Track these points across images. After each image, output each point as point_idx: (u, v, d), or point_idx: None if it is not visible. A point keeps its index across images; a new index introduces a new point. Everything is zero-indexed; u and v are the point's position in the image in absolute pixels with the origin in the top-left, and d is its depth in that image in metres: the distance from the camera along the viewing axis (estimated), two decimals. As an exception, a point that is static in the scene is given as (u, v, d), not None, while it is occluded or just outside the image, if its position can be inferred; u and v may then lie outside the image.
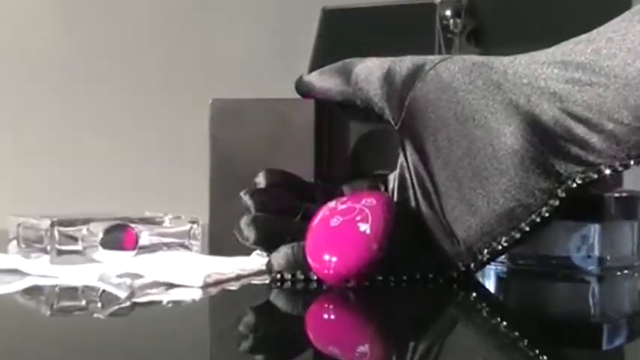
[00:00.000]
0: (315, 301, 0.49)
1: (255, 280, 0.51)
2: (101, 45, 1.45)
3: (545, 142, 0.46)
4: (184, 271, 0.49)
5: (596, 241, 0.54)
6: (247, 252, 0.54)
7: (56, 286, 0.50)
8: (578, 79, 0.46)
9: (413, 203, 0.51)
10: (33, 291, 0.49)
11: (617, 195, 0.55)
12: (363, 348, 0.38)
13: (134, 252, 0.54)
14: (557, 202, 0.46)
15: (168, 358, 0.35)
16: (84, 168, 1.42)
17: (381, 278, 0.49)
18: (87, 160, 1.42)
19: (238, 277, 0.51)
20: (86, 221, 0.53)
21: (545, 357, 0.35)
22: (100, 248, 0.53)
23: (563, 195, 0.46)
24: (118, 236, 0.54)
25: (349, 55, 0.55)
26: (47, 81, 1.42)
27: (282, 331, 0.40)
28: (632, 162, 0.45)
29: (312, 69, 0.64)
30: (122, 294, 0.46)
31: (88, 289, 0.49)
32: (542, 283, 0.56)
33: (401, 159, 0.52)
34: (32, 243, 0.54)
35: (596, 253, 0.54)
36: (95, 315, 0.43)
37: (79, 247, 0.53)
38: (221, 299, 0.48)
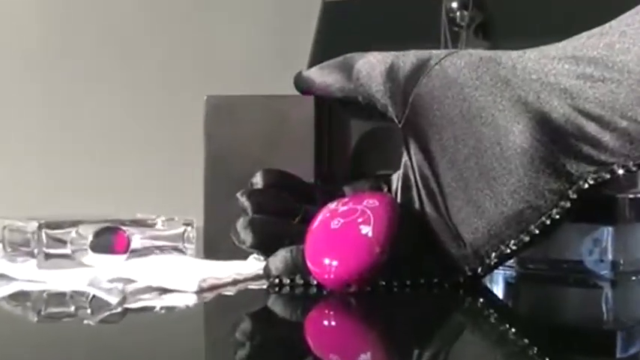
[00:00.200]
0: (315, 307, 0.49)
1: (253, 285, 0.51)
2: (94, 42, 1.45)
3: (556, 141, 0.46)
4: (178, 276, 0.49)
5: (609, 244, 0.54)
6: (244, 256, 0.54)
7: (44, 291, 0.50)
8: (590, 74, 0.46)
9: (417, 204, 0.51)
10: (19, 297, 0.50)
11: (631, 196, 0.55)
12: (365, 356, 0.38)
13: (125, 256, 0.54)
14: (568, 204, 0.46)
15: (162, 367, 0.35)
16: (72, 168, 1.42)
17: (383, 283, 0.49)
18: (76, 160, 1.42)
19: (235, 282, 0.51)
20: (75, 223, 0.54)
21: (555, 365, 0.35)
22: (89, 252, 0.53)
23: (575, 196, 0.46)
24: (109, 239, 0.54)
25: (350, 49, 0.56)
26: (34, 79, 1.42)
27: (280, 339, 0.40)
28: (646, 162, 0.45)
29: (311, 64, 0.64)
30: (113, 300, 0.46)
31: (77, 295, 0.49)
32: (553, 288, 0.56)
33: (404, 158, 0.52)
34: (18, 246, 0.55)
35: (610, 256, 0.54)
36: (85, 322, 0.43)
37: (67, 250, 0.53)
38: (217, 305, 0.48)
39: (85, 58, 1.44)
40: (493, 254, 0.48)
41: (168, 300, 0.47)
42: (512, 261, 0.55)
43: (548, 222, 0.47)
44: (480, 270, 0.49)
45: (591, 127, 0.46)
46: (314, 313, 0.47)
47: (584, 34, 0.48)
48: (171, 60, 1.49)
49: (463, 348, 0.40)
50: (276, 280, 0.50)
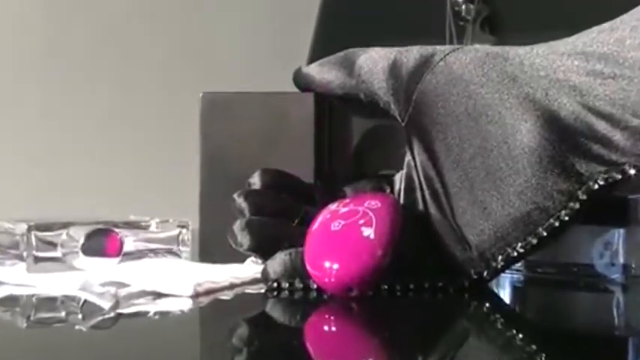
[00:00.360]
0: (315, 311, 0.49)
1: (250, 290, 0.51)
2: (87, 38, 1.45)
3: (565, 140, 0.46)
4: (173, 280, 0.49)
5: (620, 247, 0.55)
6: (241, 259, 0.54)
7: (33, 296, 0.50)
8: (601, 71, 0.46)
9: (421, 206, 0.51)
10: (8, 301, 0.50)
11: (643, 197, 0.55)
12: (367, 363, 0.38)
13: (118, 259, 0.54)
14: (577, 205, 0.47)
15: (156, 374, 0.35)
16: (63, 167, 1.42)
17: (386, 287, 0.49)
18: (66, 159, 1.42)
19: (231, 286, 0.51)
20: (66, 225, 0.54)
21: (564, 372, 0.36)
22: (80, 255, 0.53)
23: (584, 197, 0.46)
24: (101, 242, 0.54)
25: (352, 45, 0.56)
26: (25, 78, 1.42)
27: (278, 345, 0.40)
28: (659, 161, 0.46)
29: (311, 60, 0.64)
30: (106, 304, 0.46)
31: (68, 300, 0.49)
32: (562, 293, 0.56)
33: (408, 158, 0.53)
34: (7, 249, 0.55)
35: (621, 260, 0.55)
36: (76, 327, 0.43)
37: (58, 253, 0.53)
38: (213, 310, 0.48)
39: (78, 55, 1.44)
40: (499, 257, 0.48)
41: (162, 305, 0.47)
42: (519, 264, 0.55)
43: (556, 224, 0.47)
44: (485, 274, 0.49)
45: (601, 126, 0.46)
46: (314, 318, 0.47)
47: (594, 28, 0.48)
48: (167, 56, 1.49)
49: (468, 354, 0.40)
50: (275, 284, 0.50)
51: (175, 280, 0.49)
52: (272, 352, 0.39)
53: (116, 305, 0.46)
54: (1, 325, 0.45)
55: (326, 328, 0.45)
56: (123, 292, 0.48)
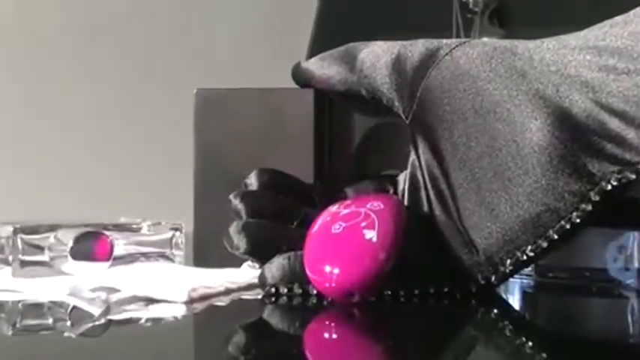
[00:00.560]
0: (315, 318, 0.49)
1: (247, 295, 0.51)
2: (74, 33, 1.45)
3: (576, 139, 0.46)
4: (166, 285, 0.49)
5: (635, 250, 0.55)
6: (237, 263, 0.54)
7: (19, 301, 0.50)
8: (614, 66, 0.46)
9: (426, 207, 0.51)
10: (-7, 307, 0.50)
11: (659, 198, 0.56)
12: (369, 372, 0.38)
13: (108, 263, 0.55)
14: (589, 207, 0.47)
15: (148, 383, 0.35)
16: (50, 167, 1.42)
17: (389, 292, 0.49)
18: (53, 158, 1.42)
19: (227, 292, 0.51)
20: (53, 228, 0.54)
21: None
22: (69, 259, 0.54)
23: (597, 198, 0.46)
24: (90, 245, 0.54)
25: (353, 38, 0.56)
26: (12, 77, 1.42)
27: (277, 353, 0.40)
28: (675, 161, 0.46)
29: (311, 55, 0.64)
30: (95, 310, 0.46)
31: (55, 306, 0.49)
32: (574, 299, 0.56)
33: (412, 157, 0.53)
34: (-8, 253, 0.55)
35: (636, 264, 0.55)
36: (65, 334, 0.43)
37: (45, 257, 0.53)
38: (208, 316, 0.48)
39: (65, 51, 1.44)
40: (508, 261, 0.48)
41: (155, 311, 0.47)
42: (529, 269, 0.55)
43: (568, 226, 0.47)
44: (493, 278, 0.49)
45: (614, 124, 0.46)
46: (313, 325, 0.48)
47: (607, 22, 0.49)
48: (157, 51, 1.49)
49: (475, 363, 0.40)
50: (273, 290, 0.50)
51: (168, 286, 0.49)
52: (270, 360, 0.39)
53: (106, 311, 0.46)
54: (-14, 332, 0.45)
55: (326, 335, 0.45)
56: (113, 297, 0.48)
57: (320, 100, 0.59)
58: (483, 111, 0.49)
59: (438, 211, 0.50)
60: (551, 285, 0.56)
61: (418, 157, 0.52)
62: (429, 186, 0.51)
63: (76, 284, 0.50)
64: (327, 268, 0.47)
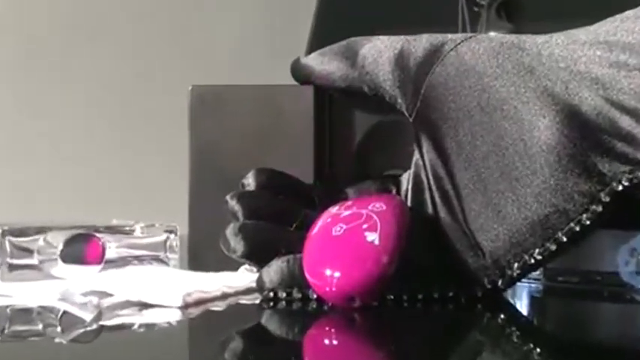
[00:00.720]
0: (315, 324, 0.49)
1: (244, 300, 0.51)
2: (65, 27, 1.45)
3: (586, 137, 0.47)
4: (160, 289, 0.49)
5: (647, 253, 0.55)
6: (234, 266, 0.54)
7: (8, 306, 0.50)
8: (625, 62, 0.46)
9: (430, 208, 0.51)
10: (-20, 313, 0.50)
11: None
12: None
13: (100, 266, 0.55)
14: (600, 208, 0.47)
15: (142, 391, 0.35)
16: (39, 167, 1.42)
17: (392, 297, 0.49)
18: (43, 159, 1.42)
19: (224, 296, 0.51)
20: (43, 230, 0.54)
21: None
22: (59, 262, 0.54)
23: (607, 199, 0.47)
24: (81, 248, 0.54)
25: (354, 33, 0.56)
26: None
27: (275, 359, 0.41)
28: (688, 160, 0.46)
29: (310, 50, 0.64)
30: (87, 316, 0.46)
31: (45, 311, 0.49)
32: (584, 304, 0.56)
33: (416, 156, 0.53)
34: (-21, 256, 0.55)
35: (648, 267, 0.55)
36: (55, 340, 0.43)
37: (34, 260, 0.54)
38: (203, 322, 0.48)
39: (54, 50, 1.44)
40: (515, 265, 0.49)
41: (148, 316, 0.47)
42: (537, 272, 0.56)
43: (577, 228, 0.47)
44: (500, 282, 0.49)
45: (626, 122, 0.46)
46: (313, 331, 0.48)
47: (618, 16, 0.49)
48: (156, 50, 1.49)
49: (481, 370, 0.40)
50: (271, 294, 0.50)
51: (163, 290, 0.49)
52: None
53: (98, 317, 0.46)
54: (-27, 338, 0.46)
55: (326, 341, 0.45)
56: (106, 302, 0.48)
57: (320, 96, 0.59)
58: (490, 108, 0.49)
59: (442, 212, 0.50)
60: (560, 289, 0.56)
61: (422, 157, 0.52)
62: (434, 186, 0.51)
63: (67, 288, 0.50)
64: (328, 272, 0.47)
